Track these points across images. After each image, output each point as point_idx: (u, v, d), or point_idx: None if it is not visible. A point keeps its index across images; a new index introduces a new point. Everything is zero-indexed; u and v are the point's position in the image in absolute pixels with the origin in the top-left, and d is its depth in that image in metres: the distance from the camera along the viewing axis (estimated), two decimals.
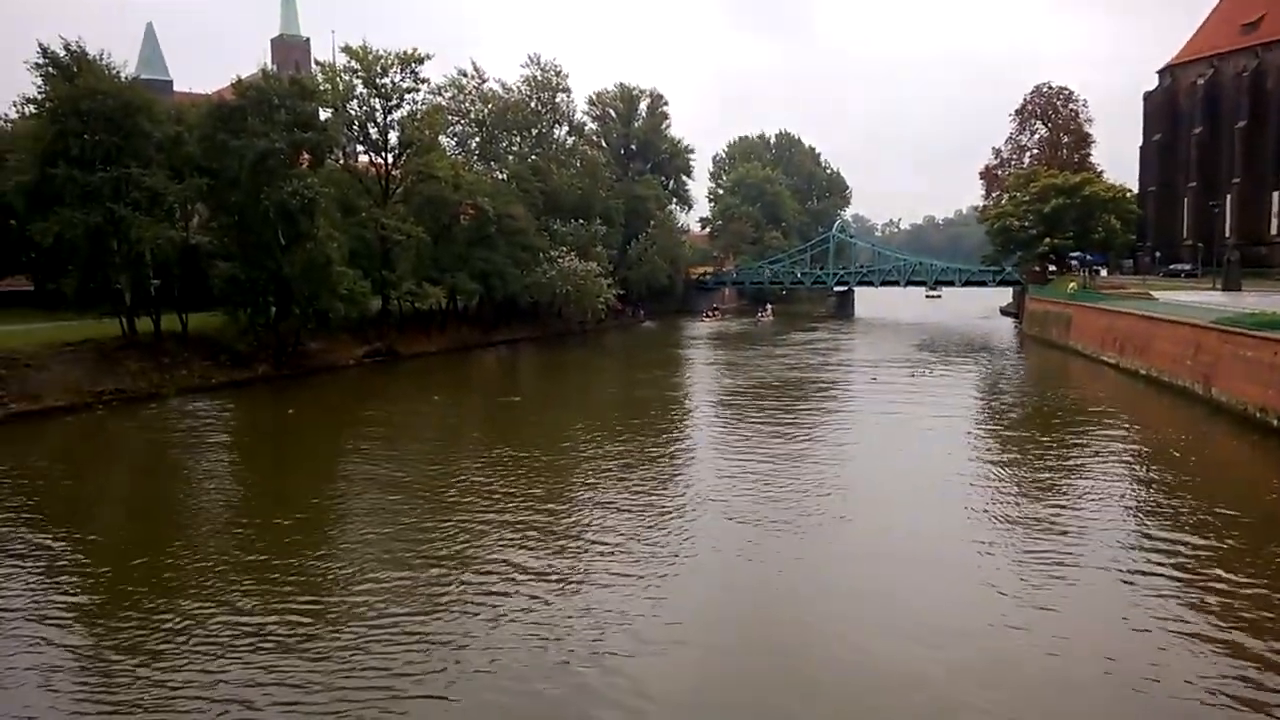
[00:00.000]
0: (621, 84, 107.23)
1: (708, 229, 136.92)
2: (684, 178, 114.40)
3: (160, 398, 42.47)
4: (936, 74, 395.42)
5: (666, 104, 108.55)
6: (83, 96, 42.25)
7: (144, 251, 43.68)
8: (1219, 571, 18.22)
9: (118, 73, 45.52)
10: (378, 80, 62.55)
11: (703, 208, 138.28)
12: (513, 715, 13.39)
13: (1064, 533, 21.00)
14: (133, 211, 42.85)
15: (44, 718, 13.44)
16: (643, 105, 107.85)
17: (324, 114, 57.67)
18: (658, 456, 30.79)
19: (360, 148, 66.71)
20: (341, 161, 63.22)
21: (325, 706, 13.49)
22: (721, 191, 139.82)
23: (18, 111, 49.01)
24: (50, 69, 44.00)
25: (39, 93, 44.28)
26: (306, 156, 51.52)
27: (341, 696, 13.69)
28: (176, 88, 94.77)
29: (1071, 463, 29.04)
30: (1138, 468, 28.14)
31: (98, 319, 45.90)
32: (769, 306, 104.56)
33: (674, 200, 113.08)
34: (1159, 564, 18.74)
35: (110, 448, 34.95)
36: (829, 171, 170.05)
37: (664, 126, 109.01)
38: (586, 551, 20.11)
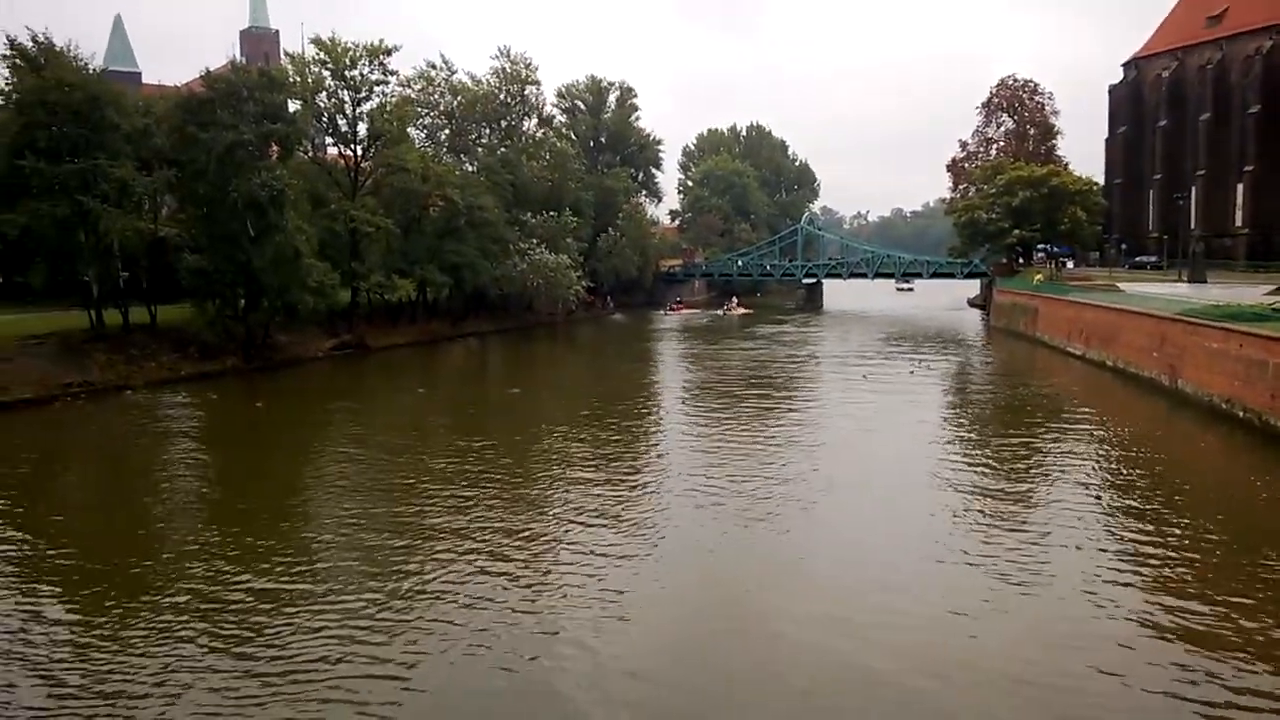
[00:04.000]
0: (591, 76, 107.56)
1: (677, 221, 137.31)
2: (653, 170, 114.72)
3: (128, 390, 42.02)
4: (902, 69, 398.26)
5: (635, 96, 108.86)
6: (50, 89, 41.92)
7: (112, 243, 43.38)
8: (1198, 574, 18.05)
9: (85, 65, 45.12)
10: (346, 72, 62.24)
11: (672, 200, 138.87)
12: (475, 699, 13.60)
13: (1034, 532, 20.98)
14: (101, 203, 42.37)
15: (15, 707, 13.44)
16: (612, 97, 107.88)
17: (293, 106, 57.28)
18: (635, 452, 30.91)
19: (329, 140, 66.34)
20: (310, 154, 62.83)
21: (283, 691, 13.59)
22: (691, 184, 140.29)
23: None
24: (18, 61, 43.57)
25: (6, 85, 43.88)
26: (275, 148, 51.06)
27: (301, 685, 13.74)
28: (145, 80, 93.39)
29: (1042, 458, 29.11)
30: (1108, 464, 28.06)
31: (65, 311, 45.54)
32: (735, 299, 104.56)
33: (643, 192, 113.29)
34: (1132, 563, 18.74)
35: (78, 441, 34.48)
36: (797, 163, 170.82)
37: (633, 119, 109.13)
38: (559, 545, 20.14)
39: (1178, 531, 20.44)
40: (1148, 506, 22.80)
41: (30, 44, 43.69)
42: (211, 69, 50.14)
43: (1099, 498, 23.88)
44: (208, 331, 49.19)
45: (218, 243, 47.66)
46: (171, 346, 47.47)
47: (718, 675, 14.33)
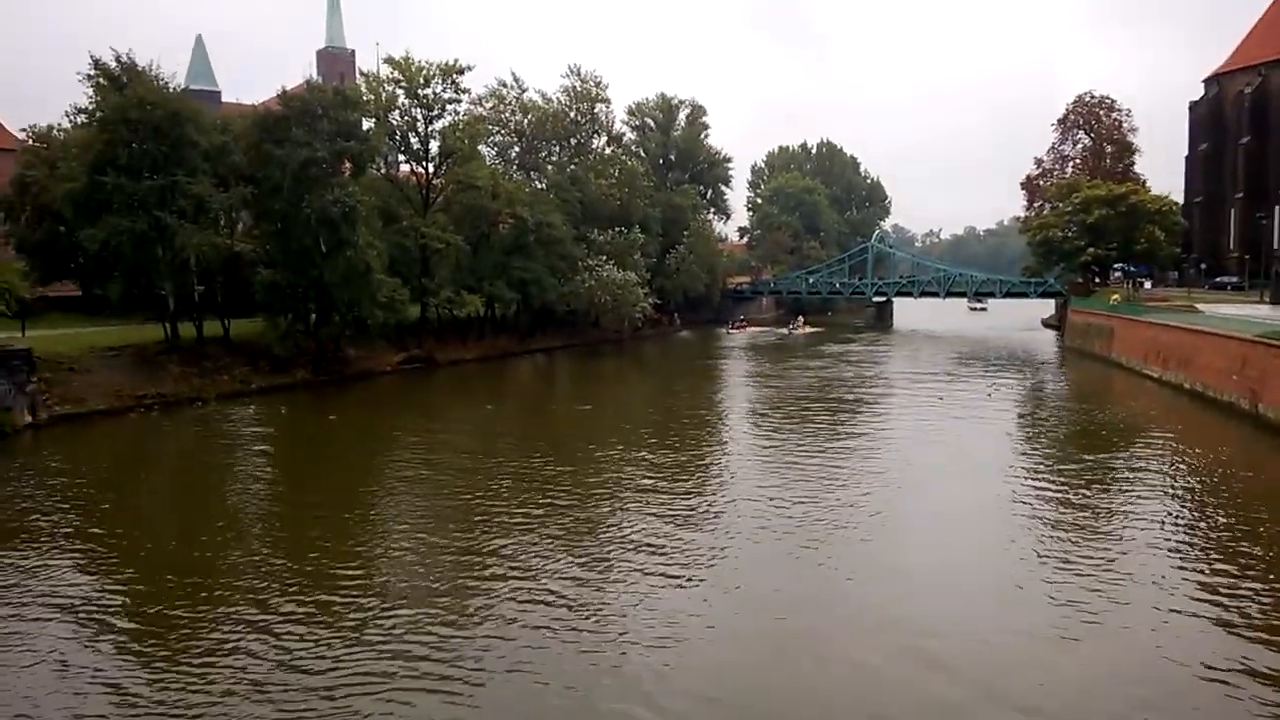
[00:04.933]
0: (662, 94, 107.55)
1: (746, 238, 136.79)
2: (722, 187, 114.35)
3: (200, 402, 43.04)
4: (977, 85, 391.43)
5: (706, 114, 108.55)
6: (132, 106, 43.24)
7: (188, 258, 44.73)
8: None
9: (167, 84, 46.54)
10: (419, 91, 63.16)
11: (741, 217, 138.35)
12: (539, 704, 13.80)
13: (1115, 558, 20.36)
14: (178, 219, 43.67)
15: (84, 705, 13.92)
16: (682, 115, 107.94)
17: (366, 124, 58.38)
18: (706, 473, 30.72)
19: (401, 157, 67.39)
20: (383, 171, 63.90)
21: (341, 705, 13.77)
22: (760, 201, 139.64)
23: (69, 120, 50.32)
24: (101, 80, 45.24)
25: (90, 102, 45.49)
26: (348, 165, 52.17)
27: (359, 700, 13.90)
28: (225, 98, 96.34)
29: (1117, 484, 28.06)
30: (1188, 492, 26.90)
31: (141, 324, 46.81)
32: (800, 318, 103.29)
33: (712, 209, 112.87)
34: (1215, 593, 18.07)
35: (151, 451, 35.45)
36: (869, 181, 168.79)
37: (703, 136, 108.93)
38: (627, 564, 20.07)
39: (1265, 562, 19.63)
40: (1228, 536, 21.95)
41: (114, 63, 45.35)
42: (288, 88, 51.44)
43: (1179, 526, 22.94)
44: (279, 345, 50.18)
45: (291, 258, 48.75)
46: (243, 360, 48.57)
47: (790, 701, 14.08)
